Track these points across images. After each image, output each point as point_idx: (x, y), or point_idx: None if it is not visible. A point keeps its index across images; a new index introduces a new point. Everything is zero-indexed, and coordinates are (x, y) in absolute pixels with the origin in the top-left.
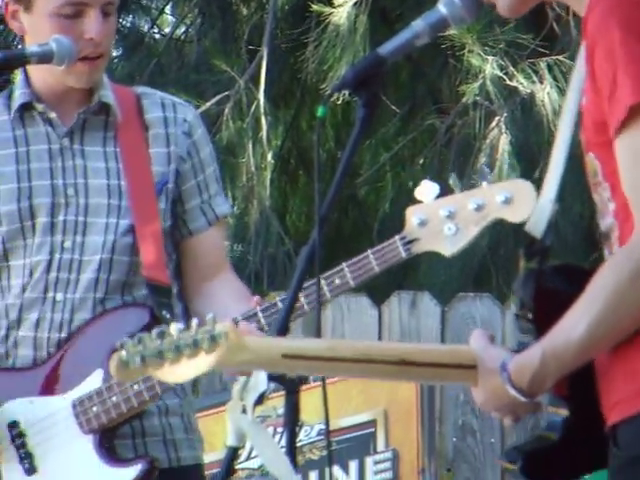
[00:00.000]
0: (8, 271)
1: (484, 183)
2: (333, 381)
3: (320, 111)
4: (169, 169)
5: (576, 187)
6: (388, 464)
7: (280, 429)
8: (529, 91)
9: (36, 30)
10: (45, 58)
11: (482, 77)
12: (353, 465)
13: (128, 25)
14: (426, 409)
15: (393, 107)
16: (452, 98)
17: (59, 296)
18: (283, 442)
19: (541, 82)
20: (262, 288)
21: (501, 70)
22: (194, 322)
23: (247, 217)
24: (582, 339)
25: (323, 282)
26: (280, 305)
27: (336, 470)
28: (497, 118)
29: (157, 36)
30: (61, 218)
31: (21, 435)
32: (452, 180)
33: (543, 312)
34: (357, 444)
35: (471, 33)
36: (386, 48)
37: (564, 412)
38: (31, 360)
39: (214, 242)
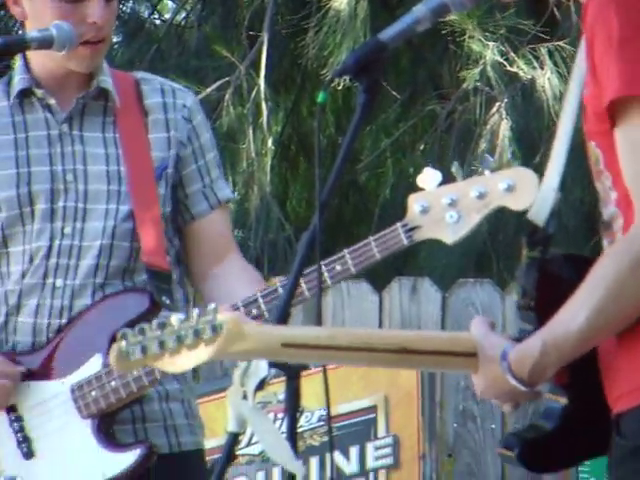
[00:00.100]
0: (7, 257)
1: (486, 171)
2: (334, 367)
3: (321, 97)
4: (169, 154)
5: (577, 172)
6: (389, 450)
7: (281, 415)
8: (530, 77)
9: (38, 15)
10: (45, 44)
11: (483, 63)
12: (354, 451)
13: (128, 11)
14: (427, 395)
15: (394, 93)
16: (453, 84)
17: (59, 282)
18: (284, 428)
19: (542, 68)
20: (263, 274)
21: (502, 56)
22: (195, 312)
23: (247, 203)
24: (582, 329)
25: (324, 268)
26: (281, 291)
27: (337, 456)
28: (498, 104)
29: (157, 22)
30: (61, 204)
31: (19, 419)
32: (454, 168)
33: (545, 301)
34: (358, 430)
35: (472, 19)
36: (387, 34)
37: (563, 400)
38: (30, 346)
39: (218, 226)
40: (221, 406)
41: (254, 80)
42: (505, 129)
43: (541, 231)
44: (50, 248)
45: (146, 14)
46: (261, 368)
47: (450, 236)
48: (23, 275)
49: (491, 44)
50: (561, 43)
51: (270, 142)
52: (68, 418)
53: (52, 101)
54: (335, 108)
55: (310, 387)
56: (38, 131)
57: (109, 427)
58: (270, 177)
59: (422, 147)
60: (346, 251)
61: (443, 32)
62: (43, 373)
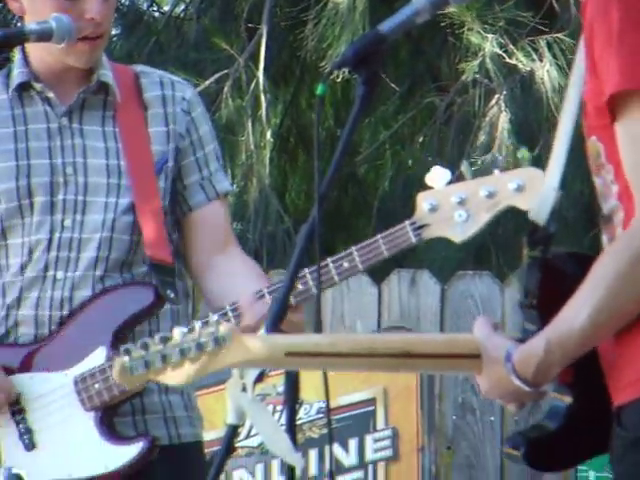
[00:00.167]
0: (6, 250)
1: (496, 170)
2: None
3: (320, 89)
4: (168, 148)
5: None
6: (388, 442)
7: (280, 407)
8: (529, 69)
9: (36, 10)
10: (44, 36)
11: (482, 55)
12: (353, 443)
13: (127, 3)
14: (426, 387)
15: (392, 85)
16: (452, 76)
17: (59, 274)
18: (283, 420)
19: (541, 60)
20: (262, 266)
21: (501, 48)
22: (197, 325)
23: (246, 195)
24: (585, 327)
25: (331, 265)
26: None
27: (336, 448)
28: (497, 96)
29: (156, 14)
30: (60, 197)
31: (21, 411)
32: (464, 167)
33: (548, 300)
34: (357, 422)
35: (470, 11)
36: (386, 25)
37: (568, 399)
38: (32, 338)
39: (216, 217)
40: (220, 398)
41: (253, 72)
42: (504, 121)
43: (542, 230)
44: (50, 241)
45: (145, 6)
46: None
47: (459, 235)
48: (22, 268)
49: (490, 36)
50: (560, 35)
51: (269, 134)
52: (71, 410)
53: (51, 94)
54: (334, 100)
55: (309, 379)
56: (38, 124)
57: (111, 420)
58: (269, 169)
59: (421, 139)
60: (354, 248)
61: (442, 24)
62: (47, 365)
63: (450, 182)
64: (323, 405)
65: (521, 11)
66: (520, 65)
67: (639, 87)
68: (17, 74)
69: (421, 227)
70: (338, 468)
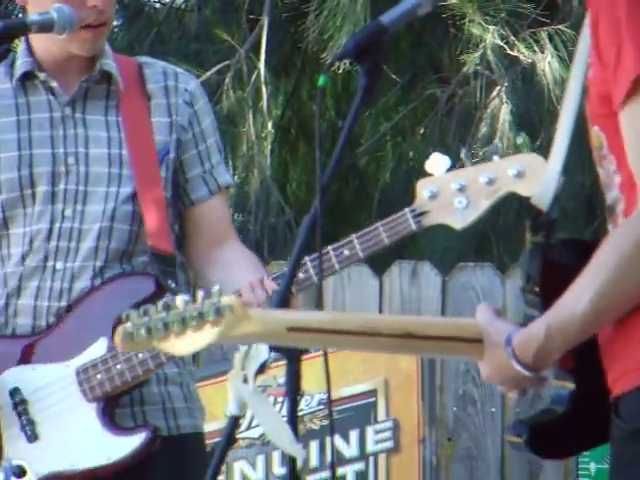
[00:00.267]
0: (8, 239)
1: (495, 157)
2: (334, 351)
3: (321, 80)
4: (171, 138)
5: (577, 157)
6: (389, 433)
7: (281, 398)
8: (530, 61)
9: (38, 0)
10: (46, 27)
11: (483, 47)
12: (354, 434)
13: None
14: (427, 379)
15: (394, 77)
16: (453, 68)
17: (59, 265)
18: (284, 411)
19: (542, 52)
20: (263, 257)
21: (502, 40)
22: (200, 294)
23: (247, 186)
24: (586, 312)
25: (332, 253)
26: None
27: (337, 439)
28: (498, 88)
29: (157, 5)
30: (62, 187)
31: (23, 402)
32: (463, 154)
33: (550, 286)
34: (358, 414)
35: (472, 2)
36: (388, 17)
37: (570, 386)
38: (30, 329)
39: (217, 211)
40: (221, 390)
41: (254, 64)
42: (505, 113)
43: (545, 216)
44: (50, 230)
45: None
46: (262, 352)
47: (459, 222)
48: (23, 258)
49: (491, 28)
50: (561, 27)
51: (270, 126)
52: (73, 401)
53: (54, 84)
54: (335, 92)
55: (310, 371)
56: (41, 113)
57: (113, 411)
58: (270, 161)
59: (422, 131)
60: (354, 236)
61: (443, 16)
62: (47, 356)
63: (450, 169)
64: (324, 397)
65: (522, 3)
66: (521, 57)
67: None
68: (21, 64)
69: (421, 214)
70: (339, 459)
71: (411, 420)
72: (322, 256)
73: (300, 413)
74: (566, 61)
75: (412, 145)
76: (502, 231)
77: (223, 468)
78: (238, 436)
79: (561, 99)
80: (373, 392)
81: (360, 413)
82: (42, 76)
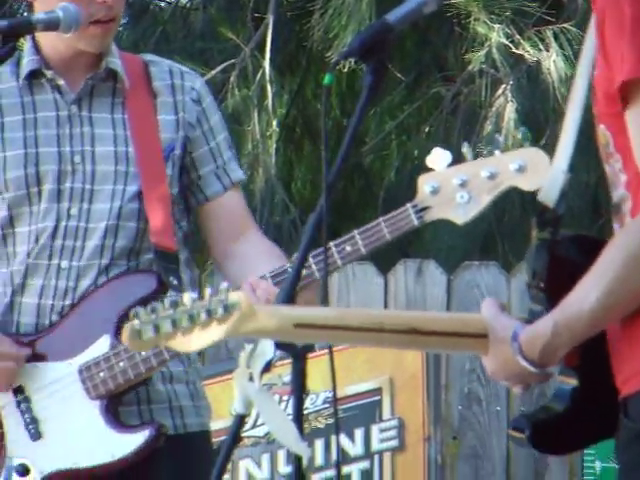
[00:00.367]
0: (14, 237)
1: (497, 151)
2: (339, 349)
3: (327, 79)
4: (177, 136)
5: (583, 155)
6: (394, 432)
7: (286, 397)
8: (535, 59)
9: None
10: (51, 25)
11: (488, 45)
12: (359, 433)
13: None
14: (432, 377)
15: (399, 75)
16: (458, 66)
17: (64, 264)
18: (289, 410)
19: (547, 50)
20: None
21: (507, 38)
22: (207, 292)
23: (252, 185)
24: (593, 309)
25: (334, 249)
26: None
27: (342, 438)
28: (503, 86)
29: (162, 4)
30: (68, 185)
31: (26, 400)
32: (465, 148)
33: (555, 282)
34: (363, 412)
35: (477, 1)
36: (393, 15)
37: (573, 382)
38: (33, 327)
39: (233, 205)
40: (226, 388)
41: (259, 62)
42: (510, 111)
43: (551, 212)
44: (56, 229)
45: None
46: (267, 350)
47: (461, 217)
48: (28, 255)
49: (497, 26)
50: (567, 25)
51: (275, 124)
52: (76, 399)
53: (61, 82)
54: (339, 91)
55: (315, 369)
56: (47, 112)
57: (117, 408)
58: (275, 159)
59: (427, 130)
60: (356, 232)
61: (448, 14)
62: (50, 354)
63: (451, 164)
64: (329, 395)
65: (528, 1)
66: (527, 55)
67: None
68: (27, 62)
69: (423, 209)
70: (344, 458)
71: (416, 419)
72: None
73: (305, 412)
74: (571, 59)
75: (417, 144)
76: (507, 230)
77: (228, 467)
78: (243, 435)
79: (566, 97)
80: (378, 390)
81: (365, 412)
82: (49, 74)
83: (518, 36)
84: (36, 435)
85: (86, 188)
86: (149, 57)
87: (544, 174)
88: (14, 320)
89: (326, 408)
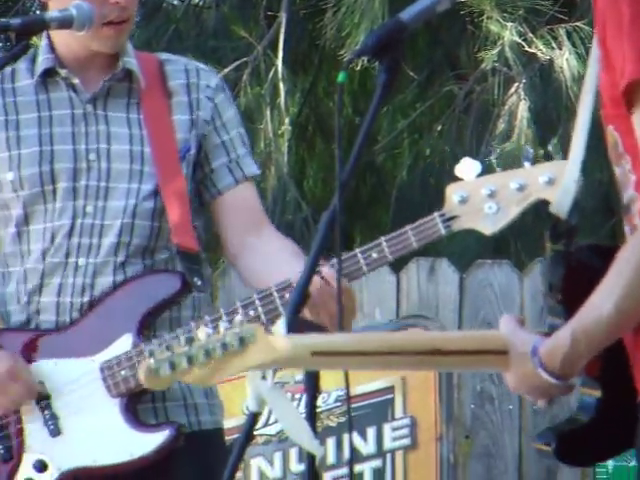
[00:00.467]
0: (28, 235)
1: (526, 163)
2: None
3: (341, 77)
4: (191, 135)
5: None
6: (406, 431)
7: (298, 395)
8: (548, 57)
9: None
10: (65, 24)
11: (501, 43)
12: (371, 432)
13: None
14: (444, 376)
15: (411, 74)
16: (470, 64)
17: (81, 261)
18: (301, 408)
19: (560, 48)
20: None
21: (520, 36)
22: (222, 326)
23: (265, 183)
24: (610, 315)
25: (360, 256)
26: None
27: (354, 436)
28: (516, 84)
29: (175, 2)
30: (83, 183)
31: (46, 397)
32: (494, 159)
33: (572, 293)
34: (375, 411)
35: None
36: (407, 14)
37: (597, 393)
38: (53, 325)
39: (246, 199)
40: (238, 386)
41: (272, 61)
42: (523, 110)
43: (564, 223)
44: (72, 226)
45: None
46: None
47: (489, 227)
48: (44, 254)
49: (509, 25)
50: (579, 24)
51: (287, 122)
52: (96, 397)
53: (76, 80)
54: (351, 90)
55: None
56: (62, 110)
57: (136, 407)
58: (287, 158)
59: (439, 128)
60: (383, 239)
61: (461, 13)
62: (71, 351)
63: (480, 174)
64: (341, 393)
65: (540, 0)
66: (539, 53)
67: None
68: (42, 60)
69: (451, 219)
70: (356, 456)
71: (428, 417)
72: (350, 259)
73: (317, 410)
74: (584, 58)
75: (429, 142)
76: (520, 229)
77: (241, 465)
78: (255, 433)
79: (579, 96)
80: (390, 389)
81: (377, 410)
82: (63, 73)
83: (531, 34)
84: (55, 431)
85: (101, 186)
86: (165, 56)
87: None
88: (32, 319)
89: (338, 407)
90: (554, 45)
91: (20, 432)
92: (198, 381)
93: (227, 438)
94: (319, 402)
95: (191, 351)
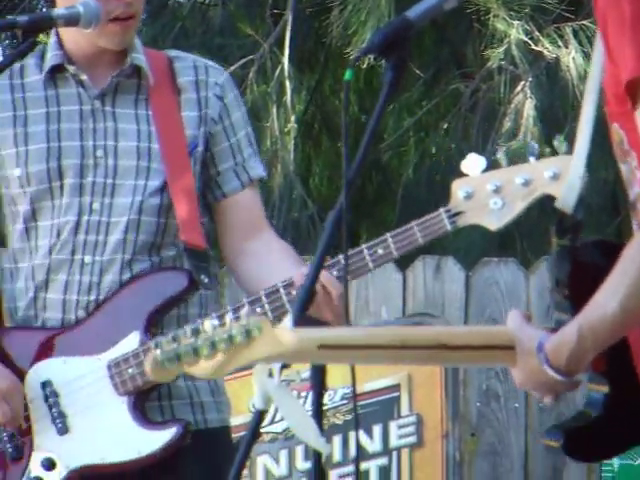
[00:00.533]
0: (36, 231)
1: (531, 158)
2: None
3: (347, 74)
4: (199, 132)
5: (601, 152)
6: (412, 428)
7: (304, 393)
8: (554, 56)
9: None
10: (72, 21)
11: (507, 42)
12: (377, 429)
13: None
14: (450, 374)
15: (417, 72)
16: (477, 63)
17: (87, 258)
18: (307, 406)
19: (566, 47)
20: None
21: (526, 35)
22: (228, 318)
23: (271, 181)
24: (616, 312)
25: (365, 252)
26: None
27: (360, 434)
28: (522, 83)
29: (181, 0)
30: (90, 179)
31: (54, 395)
32: (500, 154)
33: (579, 288)
34: (381, 408)
35: None
36: (414, 12)
37: (604, 389)
38: (59, 323)
39: (249, 203)
40: (245, 384)
41: (278, 58)
42: (529, 108)
43: (570, 218)
44: (78, 223)
45: None
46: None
47: (494, 223)
48: (50, 250)
49: (516, 23)
50: (586, 22)
51: (293, 120)
52: (104, 395)
53: (84, 77)
54: (357, 88)
55: (333, 365)
56: (70, 106)
57: (144, 405)
58: (293, 155)
59: (445, 126)
60: (388, 235)
61: (467, 11)
62: (79, 349)
63: (485, 170)
64: (347, 391)
65: None
66: (546, 52)
67: None
68: (51, 57)
69: (456, 214)
70: (362, 454)
71: (434, 415)
72: (355, 255)
73: (323, 408)
74: (590, 56)
75: (435, 140)
76: (526, 227)
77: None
78: (261, 430)
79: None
80: (396, 387)
81: (383, 408)
82: (72, 69)
83: (537, 33)
84: (63, 429)
85: (108, 182)
86: (174, 53)
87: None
88: (39, 315)
89: (344, 404)
90: (560, 43)
91: (28, 430)
92: (204, 373)
93: (234, 435)
94: (325, 400)
95: (197, 343)
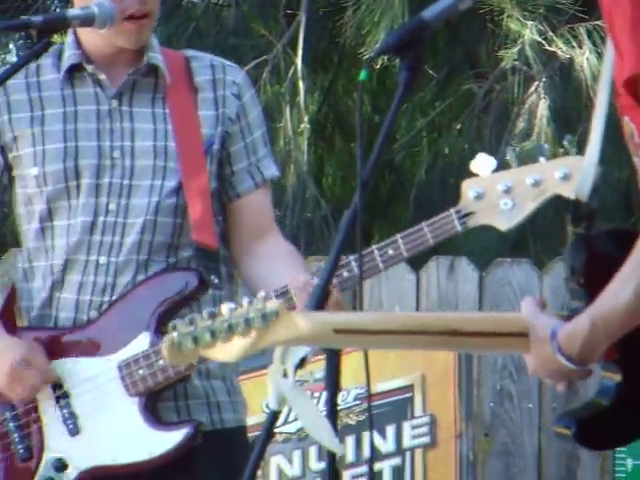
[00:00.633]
0: (52, 231)
1: (542, 158)
2: None
3: (362, 74)
4: (216, 131)
5: (614, 151)
6: (425, 429)
7: (317, 394)
8: (568, 56)
9: None
10: (87, 21)
11: (521, 42)
12: (390, 430)
13: None
14: (464, 374)
15: (430, 72)
16: (490, 63)
17: (102, 259)
18: (320, 406)
19: (580, 47)
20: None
21: (540, 35)
22: (245, 301)
23: (284, 181)
24: (629, 302)
25: (376, 252)
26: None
27: (374, 435)
28: (536, 83)
29: (195, 0)
30: (106, 180)
31: (65, 396)
32: (510, 155)
33: (594, 277)
34: (394, 409)
35: None
36: (429, 12)
37: (617, 377)
38: (71, 322)
39: (261, 204)
40: (258, 384)
41: (291, 59)
42: (543, 108)
43: (585, 206)
44: (94, 224)
45: None
46: (302, 346)
47: (504, 223)
48: (66, 250)
49: (529, 23)
50: (600, 23)
51: (307, 121)
52: (115, 396)
53: (102, 76)
54: (371, 88)
55: (346, 366)
56: (87, 105)
57: (155, 405)
58: (306, 156)
59: (458, 127)
60: (399, 236)
61: (481, 11)
62: (90, 350)
63: (496, 170)
64: (360, 392)
65: None
66: (559, 52)
67: None
68: (69, 56)
69: (466, 215)
70: (376, 455)
71: (448, 415)
72: (366, 255)
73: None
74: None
75: (448, 141)
76: (539, 228)
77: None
78: (275, 431)
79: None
80: (410, 387)
81: (397, 408)
82: (90, 68)
83: (551, 33)
84: (74, 430)
85: (124, 183)
86: (191, 53)
87: (580, 169)
88: (52, 314)
89: (357, 405)
90: (574, 44)
91: (39, 431)
92: (220, 356)
93: (249, 435)
94: (338, 400)
95: (214, 325)
